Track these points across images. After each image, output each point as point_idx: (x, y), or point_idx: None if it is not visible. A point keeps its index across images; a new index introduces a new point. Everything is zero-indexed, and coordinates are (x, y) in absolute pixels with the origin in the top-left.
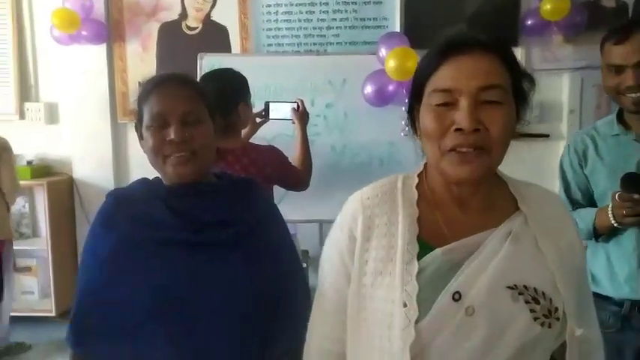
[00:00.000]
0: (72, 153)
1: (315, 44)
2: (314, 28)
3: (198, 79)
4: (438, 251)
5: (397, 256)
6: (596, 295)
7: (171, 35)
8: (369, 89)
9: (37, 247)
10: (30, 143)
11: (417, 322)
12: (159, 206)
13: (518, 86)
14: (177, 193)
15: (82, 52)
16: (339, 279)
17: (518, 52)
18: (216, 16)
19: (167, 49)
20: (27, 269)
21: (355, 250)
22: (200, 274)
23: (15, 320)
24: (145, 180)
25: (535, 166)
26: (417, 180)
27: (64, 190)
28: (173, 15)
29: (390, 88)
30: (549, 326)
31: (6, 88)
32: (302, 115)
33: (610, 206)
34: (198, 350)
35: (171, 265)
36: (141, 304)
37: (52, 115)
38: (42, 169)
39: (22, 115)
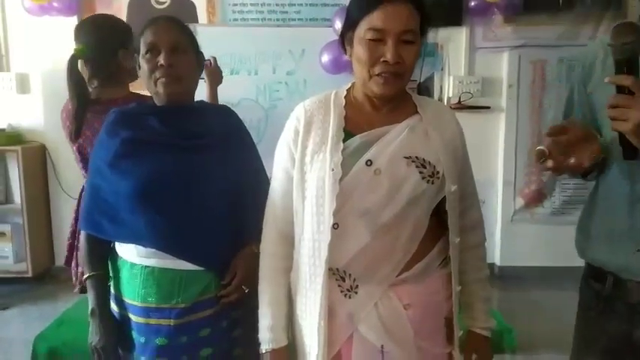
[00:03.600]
0: (44, 122)
1: (277, 20)
2: (277, 5)
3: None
4: (357, 137)
5: (329, 140)
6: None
7: (141, 9)
8: (325, 58)
9: (10, 213)
10: (2, 112)
11: (340, 180)
12: (152, 119)
13: (424, 26)
14: (167, 109)
15: (53, 24)
16: (287, 164)
17: (463, 32)
18: None
19: (136, 23)
20: (1, 235)
21: (298, 140)
22: (184, 170)
23: None
24: (140, 102)
25: (478, 134)
26: (345, 92)
27: (36, 157)
28: None
29: (345, 57)
30: (432, 183)
31: None
32: (213, 73)
33: None
34: (181, 225)
35: (161, 162)
36: (136, 190)
37: (23, 84)
38: (14, 137)
39: None
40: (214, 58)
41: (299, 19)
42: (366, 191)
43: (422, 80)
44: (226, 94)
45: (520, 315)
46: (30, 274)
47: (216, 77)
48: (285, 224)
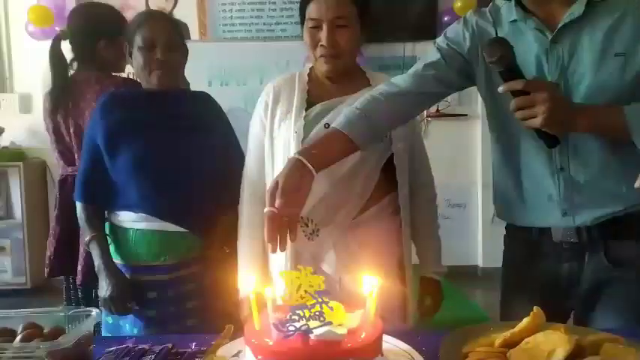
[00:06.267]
0: (45, 139)
1: (265, 38)
2: (264, 24)
3: None
4: (318, 105)
5: (293, 109)
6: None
7: None
8: None
9: (11, 228)
10: (6, 131)
11: (303, 141)
12: (142, 102)
13: (365, 13)
14: (155, 94)
15: None
16: (259, 131)
17: None
18: (177, 14)
19: None
20: (1, 249)
21: (268, 111)
22: (169, 146)
23: None
24: (130, 87)
25: (457, 140)
26: (308, 70)
27: (37, 173)
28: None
29: None
30: (381, 141)
31: None
32: None
33: None
34: (167, 193)
35: (151, 140)
36: (131, 164)
37: (26, 104)
38: (17, 154)
39: None
40: None
41: (285, 37)
42: None
43: None
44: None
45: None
46: (29, 286)
47: None
48: (259, 186)
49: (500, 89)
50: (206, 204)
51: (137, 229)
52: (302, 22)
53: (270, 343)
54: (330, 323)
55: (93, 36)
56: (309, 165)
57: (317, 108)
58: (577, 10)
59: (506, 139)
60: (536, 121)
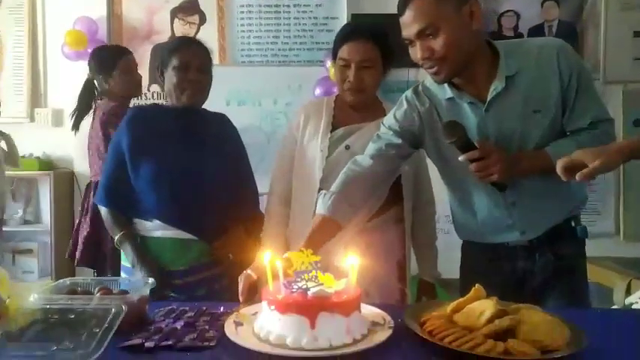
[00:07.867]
0: (74, 151)
1: (279, 62)
2: (279, 50)
3: None
4: (341, 129)
5: (320, 130)
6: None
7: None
8: (318, 92)
9: (38, 232)
10: (39, 142)
11: (327, 158)
12: (167, 117)
13: (387, 56)
14: (182, 110)
15: (87, 67)
16: (291, 143)
17: None
18: None
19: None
20: (28, 251)
21: (299, 128)
22: (188, 160)
23: None
24: (154, 104)
25: None
26: (335, 97)
27: (65, 183)
28: (164, 38)
29: (334, 90)
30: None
31: (20, 95)
32: None
33: None
34: (182, 203)
35: (172, 152)
36: (153, 174)
37: (57, 119)
38: (48, 164)
39: (32, 119)
40: None
41: (298, 62)
42: (345, 167)
43: None
44: (235, 122)
45: None
46: None
47: None
48: (286, 191)
49: (461, 159)
50: (216, 215)
51: (154, 237)
52: (334, 59)
53: (280, 297)
54: (322, 284)
55: (97, 73)
56: None
57: (340, 131)
58: (499, 86)
59: (460, 190)
60: (494, 178)
